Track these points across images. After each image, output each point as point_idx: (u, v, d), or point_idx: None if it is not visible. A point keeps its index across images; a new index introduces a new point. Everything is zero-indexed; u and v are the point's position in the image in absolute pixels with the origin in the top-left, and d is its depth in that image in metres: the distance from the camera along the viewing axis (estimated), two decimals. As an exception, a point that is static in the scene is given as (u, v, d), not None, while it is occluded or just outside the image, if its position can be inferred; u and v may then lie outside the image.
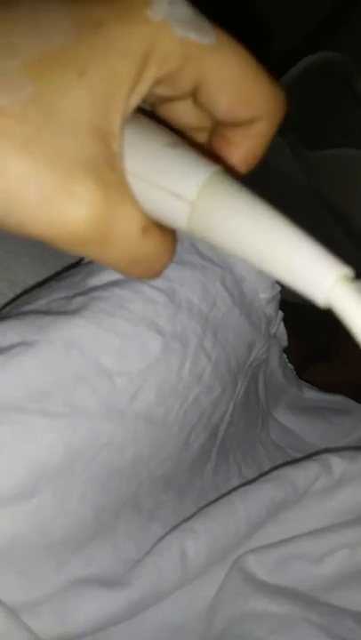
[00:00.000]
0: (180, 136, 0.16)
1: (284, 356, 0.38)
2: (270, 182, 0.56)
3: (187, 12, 0.15)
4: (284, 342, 0.36)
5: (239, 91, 0.15)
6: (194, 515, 0.28)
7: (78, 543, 0.25)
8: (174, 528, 0.28)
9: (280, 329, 0.34)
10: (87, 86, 0.13)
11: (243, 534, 0.28)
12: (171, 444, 0.27)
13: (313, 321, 0.48)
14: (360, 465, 0.31)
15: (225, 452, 0.32)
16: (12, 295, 0.34)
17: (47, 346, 0.23)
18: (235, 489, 0.30)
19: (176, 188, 0.15)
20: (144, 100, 0.15)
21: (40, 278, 0.35)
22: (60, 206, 0.13)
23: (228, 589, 0.28)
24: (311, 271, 0.13)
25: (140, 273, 0.15)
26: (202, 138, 0.18)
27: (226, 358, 0.28)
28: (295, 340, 0.39)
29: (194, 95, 0.16)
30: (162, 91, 0.15)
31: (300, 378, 0.43)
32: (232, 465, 0.33)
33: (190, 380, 0.26)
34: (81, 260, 0.31)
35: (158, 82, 0.15)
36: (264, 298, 0.30)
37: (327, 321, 0.51)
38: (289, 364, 0.39)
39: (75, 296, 0.25)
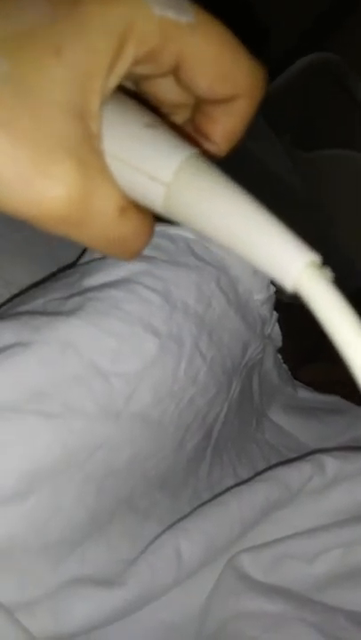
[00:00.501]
0: (160, 117, 0.16)
1: (279, 356, 0.38)
2: (263, 182, 0.56)
3: None
4: (279, 343, 0.36)
5: (218, 68, 0.16)
6: (188, 514, 0.28)
7: (73, 543, 0.25)
8: (169, 527, 0.28)
9: (275, 330, 0.34)
10: (64, 65, 0.13)
11: (237, 534, 0.29)
12: (166, 445, 0.27)
13: (307, 321, 0.49)
14: (353, 465, 0.31)
15: (219, 451, 0.32)
16: (7, 295, 0.34)
17: (43, 346, 0.23)
18: (229, 488, 0.30)
19: (153, 170, 0.15)
20: (125, 78, 0.15)
21: (36, 278, 0.35)
22: (38, 186, 0.13)
23: (222, 589, 0.28)
24: (280, 257, 0.14)
25: (118, 252, 0.16)
26: (184, 115, 0.18)
27: (221, 359, 0.28)
28: (290, 341, 0.39)
29: (174, 73, 0.16)
30: (142, 69, 0.15)
31: (295, 378, 0.43)
32: (226, 464, 0.33)
33: (186, 381, 0.26)
34: (77, 260, 0.31)
35: (138, 61, 0.15)
36: (259, 299, 0.30)
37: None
38: (284, 365, 0.39)
39: (70, 296, 0.25)
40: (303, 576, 0.29)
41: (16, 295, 0.32)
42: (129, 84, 0.18)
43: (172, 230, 0.28)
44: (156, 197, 0.15)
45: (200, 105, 0.17)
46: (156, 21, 0.14)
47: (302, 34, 0.83)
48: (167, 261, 0.27)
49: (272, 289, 0.31)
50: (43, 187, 0.13)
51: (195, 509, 0.29)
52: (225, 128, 0.17)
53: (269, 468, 0.32)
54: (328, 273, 0.14)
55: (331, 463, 0.30)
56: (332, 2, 0.84)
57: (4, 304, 0.30)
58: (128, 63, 0.15)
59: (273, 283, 0.31)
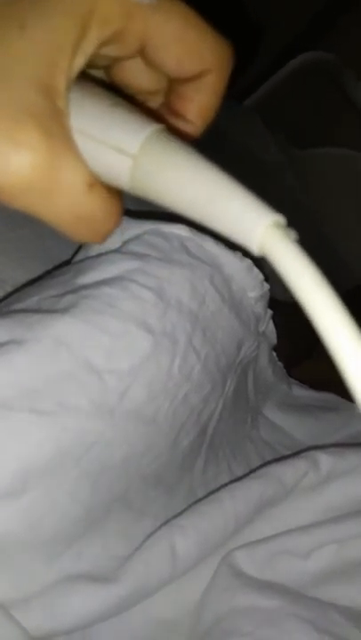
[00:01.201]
0: (130, 101, 0.17)
1: (274, 354, 0.39)
2: (256, 178, 0.56)
3: None
4: (274, 340, 0.36)
5: (184, 45, 0.16)
6: (183, 511, 0.28)
7: (68, 540, 0.25)
8: (164, 524, 0.28)
9: (269, 327, 0.34)
10: (30, 40, 0.14)
11: (231, 530, 0.29)
12: (161, 442, 0.27)
13: (302, 319, 0.49)
14: (348, 461, 0.31)
15: (214, 449, 0.32)
16: (1, 293, 0.34)
17: (36, 344, 0.23)
18: (224, 486, 0.30)
19: (120, 143, 0.15)
20: (95, 64, 0.16)
21: (31, 276, 0.35)
22: (3, 153, 0.13)
23: (217, 585, 0.29)
24: (244, 219, 0.14)
25: (85, 232, 0.16)
26: (158, 101, 0.19)
27: (215, 356, 0.28)
28: (284, 338, 0.39)
29: (142, 54, 0.16)
30: (110, 51, 0.16)
31: (290, 375, 0.43)
32: (221, 462, 0.33)
33: (180, 378, 0.26)
34: (72, 258, 0.31)
35: (104, 42, 0.15)
36: (253, 296, 0.31)
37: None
38: (278, 362, 0.40)
39: (64, 294, 0.25)
40: (298, 572, 0.29)
41: (11, 293, 0.32)
42: (101, 74, 0.18)
43: (165, 228, 0.28)
44: (123, 170, 0.15)
45: (172, 86, 0.18)
46: (117, 3, 0.15)
47: (297, 33, 0.83)
48: (161, 259, 0.27)
49: (266, 286, 0.31)
50: (8, 153, 0.13)
51: (190, 506, 0.29)
52: (198, 105, 0.17)
53: (264, 465, 0.32)
54: (292, 233, 0.14)
55: (325, 460, 0.31)
56: (327, 1, 0.84)
57: (-2, 302, 0.30)
58: (93, 44, 0.15)
59: (267, 280, 0.31)
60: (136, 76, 0.18)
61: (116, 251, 0.27)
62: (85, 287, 0.25)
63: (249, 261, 0.29)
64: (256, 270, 0.30)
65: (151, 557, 0.26)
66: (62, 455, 0.23)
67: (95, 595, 0.25)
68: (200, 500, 0.30)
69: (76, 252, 0.30)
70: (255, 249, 0.14)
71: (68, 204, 0.15)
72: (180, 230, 0.28)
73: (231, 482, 0.32)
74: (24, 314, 0.24)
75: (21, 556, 0.24)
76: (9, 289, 0.34)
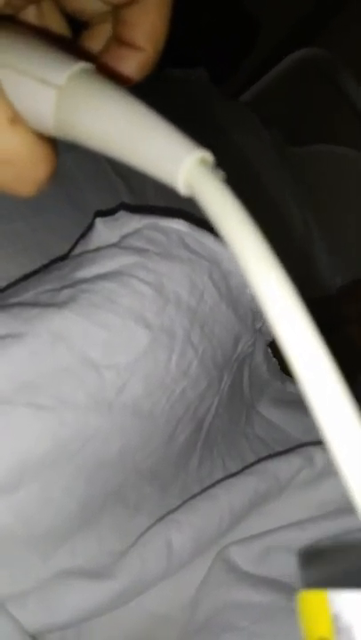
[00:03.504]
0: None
1: (269, 350, 0.39)
2: (249, 175, 0.56)
3: None
4: (270, 337, 0.36)
5: None
6: (179, 507, 0.28)
7: (63, 535, 0.25)
8: (159, 520, 0.28)
9: (266, 323, 0.34)
10: None
11: (226, 526, 0.29)
12: (157, 437, 0.27)
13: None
14: None
15: (209, 445, 0.32)
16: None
17: (34, 338, 0.23)
18: (218, 482, 0.30)
19: (45, 74, 0.14)
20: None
21: (25, 270, 0.35)
22: None
23: (212, 580, 0.29)
24: (168, 156, 0.13)
25: (11, 178, 0.14)
26: (108, 27, 0.18)
27: (212, 352, 0.28)
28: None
29: None
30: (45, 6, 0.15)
31: (283, 371, 0.43)
32: (216, 458, 0.33)
33: (177, 374, 0.26)
34: (69, 253, 0.31)
35: None
36: (250, 293, 0.31)
37: (311, 314, 0.51)
38: (273, 359, 0.40)
39: (62, 288, 0.25)
40: (292, 567, 0.29)
41: (5, 288, 0.32)
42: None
43: (164, 223, 0.28)
44: (47, 102, 0.14)
45: (118, 15, 0.17)
46: None
47: (292, 29, 0.83)
48: (160, 254, 0.27)
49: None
50: None
51: (185, 502, 0.29)
52: (145, 28, 0.17)
53: (259, 461, 0.32)
54: (220, 172, 0.13)
55: (320, 456, 0.31)
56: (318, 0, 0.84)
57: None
58: None
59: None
60: (82, 2, 0.17)
61: (115, 245, 0.27)
62: (84, 281, 0.25)
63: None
64: None
65: (147, 553, 0.26)
66: (59, 450, 0.23)
67: (91, 590, 0.25)
68: (195, 495, 0.30)
69: (73, 247, 0.30)
70: (180, 187, 0.13)
71: None
72: (178, 225, 0.28)
73: (226, 478, 0.32)
74: (22, 307, 0.24)
75: (16, 551, 0.23)
76: (3, 284, 0.34)
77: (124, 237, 0.27)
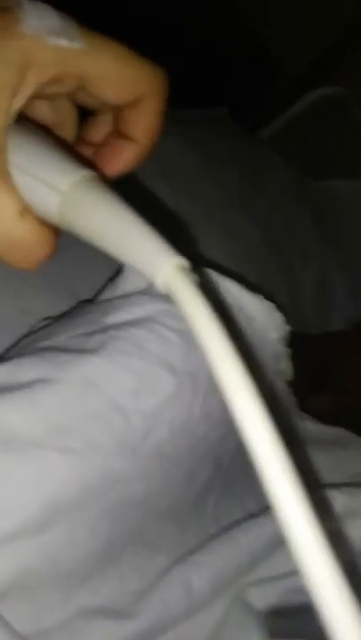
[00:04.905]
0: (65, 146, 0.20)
1: (288, 388, 0.39)
2: (269, 210, 0.57)
3: (55, 22, 0.18)
4: (288, 375, 0.37)
5: (118, 78, 0.19)
6: (198, 548, 0.29)
7: (86, 574, 0.25)
8: (178, 560, 0.28)
9: (286, 364, 0.35)
10: None
11: (245, 568, 0.29)
12: (178, 479, 0.28)
13: (312, 348, 0.49)
14: (359, 502, 0.32)
15: (227, 483, 0.33)
16: (24, 322, 0.35)
17: (67, 384, 0.24)
18: (237, 521, 0.31)
19: (52, 180, 0.17)
20: (35, 97, 0.18)
21: (51, 307, 0.36)
22: None
23: (230, 621, 0.29)
24: (151, 259, 0.16)
25: (18, 258, 0.18)
26: (65, 133, 0.22)
27: None
28: (294, 368, 0.40)
29: (83, 89, 0.19)
30: (51, 90, 0.18)
31: (299, 406, 0.43)
32: (234, 496, 0.34)
33: (200, 417, 0.27)
34: (97, 294, 0.32)
35: (44, 85, 0.18)
36: (273, 337, 0.31)
37: (326, 348, 0.52)
38: (291, 396, 0.40)
39: (93, 334, 0.26)
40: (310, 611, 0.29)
41: (33, 324, 0.33)
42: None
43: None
44: (52, 204, 0.17)
45: (117, 114, 0.21)
46: (51, 50, 0.17)
47: (309, 67, 0.85)
48: None
49: (287, 327, 0.32)
50: None
51: (204, 543, 0.29)
52: (141, 126, 0.20)
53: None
54: (195, 277, 0.16)
55: (339, 499, 0.31)
56: (338, 35, 0.87)
57: (25, 336, 0.31)
58: (31, 88, 0.17)
59: (287, 321, 0.32)
60: (85, 101, 0.21)
61: (143, 292, 0.28)
62: (113, 327, 0.26)
63: (270, 304, 0.30)
64: (277, 312, 0.31)
65: (168, 594, 0.27)
66: (86, 492, 0.24)
67: (112, 629, 0.25)
68: (214, 536, 0.30)
69: (101, 290, 0.31)
70: (159, 287, 0.16)
71: (1, 230, 0.17)
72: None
73: (244, 518, 0.32)
74: (54, 352, 0.25)
75: (41, 590, 0.24)
76: (31, 319, 0.35)
77: (152, 284, 0.28)
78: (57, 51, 0.17)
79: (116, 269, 0.31)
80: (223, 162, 0.54)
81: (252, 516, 0.31)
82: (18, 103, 0.17)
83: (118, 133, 0.21)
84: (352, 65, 0.84)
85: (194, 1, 0.76)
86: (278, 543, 0.30)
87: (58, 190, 0.17)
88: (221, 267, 0.30)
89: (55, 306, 0.35)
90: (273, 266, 0.53)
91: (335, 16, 0.85)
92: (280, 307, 0.32)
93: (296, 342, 0.34)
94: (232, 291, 0.29)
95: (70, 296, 0.36)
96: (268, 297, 0.30)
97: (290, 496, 0.15)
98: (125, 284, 0.29)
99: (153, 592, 0.27)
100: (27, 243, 0.17)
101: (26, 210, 0.17)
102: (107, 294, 0.30)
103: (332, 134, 0.76)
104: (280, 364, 0.33)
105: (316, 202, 0.65)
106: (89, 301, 0.32)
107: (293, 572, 0.30)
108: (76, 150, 0.22)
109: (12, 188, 0.17)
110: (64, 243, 0.39)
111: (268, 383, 0.33)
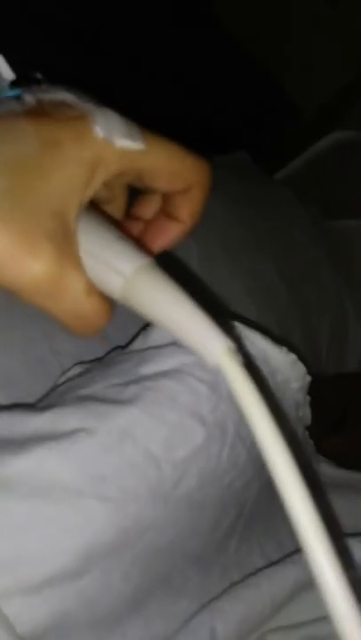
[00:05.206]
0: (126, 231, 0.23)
1: (306, 433, 0.40)
2: (287, 249, 0.59)
3: (122, 127, 0.20)
4: (308, 421, 0.38)
5: (170, 172, 0.22)
6: (221, 594, 0.30)
7: (116, 619, 0.26)
8: (203, 606, 0.29)
9: (306, 411, 0.36)
10: (51, 185, 0.19)
11: (268, 614, 0.30)
12: (205, 525, 0.29)
13: (327, 390, 0.50)
14: None
15: (248, 528, 0.34)
16: (56, 363, 0.37)
17: (105, 434, 0.25)
18: (260, 569, 0.32)
19: (118, 265, 0.20)
20: (101, 189, 0.21)
21: (83, 350, 0.37)
22: (25, 262, 0.18)
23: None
24: (205, 344, 0.19)
25: (82, 328, 0.20)
26: (116, 209, 0.25)
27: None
28: (312, 412, 0.41)
29: (140, 181, 0.22)
30: (114, 181, 0.21)
31: (319, 452, 0.44)
32: (254, 540, 0.34)
33: (228, 466, 0.28)
34: (129, 342, 0.33)
35: (108, 179, 0.20)
36: (295, 387, 0.33)
37: (341, 389, 0.53)
38: (310, 440, 0.41)
39: (128, 384, 0.28)
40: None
41: (67, 371, 0.35)
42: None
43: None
44: (116, 286, 0.20)
45: (166, 198, 0.24)
46: (117, 152, 0.20)
47: (325, 109, 0.88)
48: None
49: (308, 378, 0.33)
50: (28, 263, 0.18)
51: (226, 589, 0.30)
52: (187, 210, 0.23)
53: (298, 549, 0.33)
54: (240, 358, 0.19)
55: (358, 549, 0.32)
56: (354, 77, 0.90)
57: (60, 383, 0.32)
58: (99, 183, 0.20)
59: (308, 372, 0.33)
60: (140, 185, 0.23)
61: (174, 343, 0.30)
62: (147, 378, 0.28)
63: (293, 356, 0.32)
64: (300, 364, 0.32)
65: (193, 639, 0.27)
66: (121, 539, 0.25)
67: None
68: (234, 580, 0.31)
69: (133, 339, 0.33)
70: (212, 366, 0.19)
71: (70, 305, 0.19)
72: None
73: (264, 562, 0.33)
74: (93, 403, 0.26)
75: (75, 634, 0.25)
76: (63, 360, 0.37)
77: None
78: (122, 152, 0.20)
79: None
80: (244, 204, 0.56)
81: (273, 562, 0.32)
82: (88, 196, 0.20)
83: (165, 213, 0.24)
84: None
85: (212, 49, 0.79)
86: (298, 590, 0.31)
87: (122, 275, 0.20)
88: (247, 319, 0.32)
89: (86, 349, 0.37)
90: (292, 305, 0.55)
91: (349, 61, 0.89)
92: (300, 356, 0.33)
93: (311, 384, 0.35)
94: (257, 343, 0.31)
95: (99, 339, 0.38)
96: (291, 347, 0.32)
97: (321, 546, 0.17)
98: (157, 334, 0.31)
99: (178, 637, 0.27)
100: (91, 316, 0.20)
101: (92, 289, 0.19)
102: (139, 343, 0.31)
103: (346, 176, 0.78)
104: (300, 412, 0.35)
105: (332, 242, 0.67)
106: (121, 347, 0.34)
107: (313, 620, 0.31)
108: (124, 225, 0.25)
109: (80, 269, 0.19)
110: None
111: (292, 432, 0.34)
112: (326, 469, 0.42)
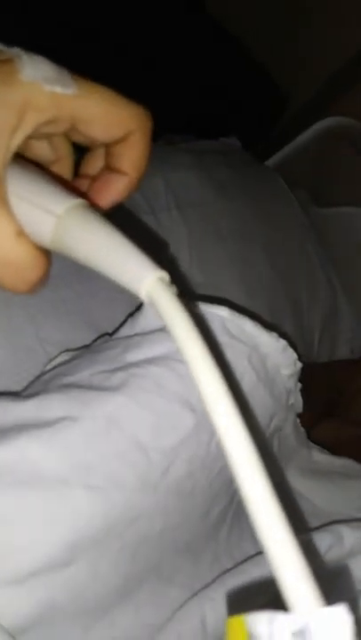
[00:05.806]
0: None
1: (298, 420, 0.40)
2: (277, 236, 0.58)
3: (51, 71, 0.19)
4: (300, 409, 0.38)
5: (107, 119, 0.21)
6: (211, 582, 0.29)
7: (104, 609, 0.26)
8: (193, 594, 0.29)
9: (297, 398, 0.36)
10: None
11: None
12: (195, 513, 0.28)
13: (318, 377, 0.50)
14: None
15: (239, 515, 0.33)
16: (41, 351, 0.36)
17: (90, 422, 0.24)
18: (250, 556, 0.31)
19: (48, 205, 0.19)
20: (32, 137, 0.20)
21: (70, 337, 0.37)
22: None
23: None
24: (135, 273, 0.18)
25: (12, 278, 0.19)
26: (64, 169, 0.24)
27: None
28: (303, 398, 0.40)
29: (75, 129, 0.21)
30: (46, 130, 0.20)
31: (308, 436, 0.44)
32: (245, 528, 0.34)
33: (217, 454, 0.28)
34: (117, 327, 0.33)
35: (40, 126, 0.20)
36: (286, 373, 0.32)
37: (332, 376, 0.52)
38: (301, 428, 0.41)
39: (115, 371, 0.27)
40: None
41: (54, 358, 0.34)
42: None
43: (207, 309, 0.30)
44: (47, 227, 0.19)
45: (107, 149, 0.23)
46: (47, 96, 0.19)
47: (315, 95, 0.87)
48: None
49: (299, 364, 0.32)
50: None
51: (217, 577, 0.30)
52: (129, 160, 0.22)
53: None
54: (174, 288, 0.18)
55: (349, 534, 0.32)
56: (344, 64, 0.89)
57: (46, 371, 0.31)
58: (29, 128, 0.19)
59: (299, 358, 0.32)
60: (79, 139, 0.23)
61: (162, 329, 0.29)
62: (134, 365, 0.27)
63: (284, 342, 0.31)
64: (290, 350, 0.32)
65: (183, 629, 0.27)
66: (108, 528, 0.24)
67: None
68: (224, 567, 0.31)
69: (122, 325, 0.32)
70: (143, 297, 0.18)
71: None
72: (221, 311, 0.30)
73: (254, 548, 0.32)
74: (78, 390, 0.26)
75: (62, 624, 0.25)
76: (48, 347, 0.36)
77: None
78: (52, 96, 0.19)
79: (136, 305, 0.32)
80: (234, 191, 0.56)
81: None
82: (17, 141, 0.19)
83: (109, 167, 0.23)
84: (356, 95, 0.86)
85: (200, 35, 0.78)
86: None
87: (53, 214, 0.19)
88: (236, 305, 0.31)
89: (74, 336, 0.36)
90: (282, 292, 0.54)
91: (339, 48, 0.88)
92: (291, 343, 0.32)
93: (303, 371, 0.35)
94: (247, 329, 0.30)
95: (89, 327, 0.37)
96: (281, 334, 0.31)
97: (279, 535, 0.15)
98: (145, 321, 0.30)
99: (168, 626, 0.27)
100: (22, 263, 0.19)
101: (22, 232, 0.19)
102: (126, 330, 0.31)
103: (337, 163, 0.78)
104: (291, 399, 0.34)
105: (322, 229, 0.67)
106: (109, 335, 0.33)
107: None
108: (73, 184, 0.24)
109: (9, 211, 0.18)
110: (83, 276, 0.40)
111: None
112: (318, 456, 0.42)
